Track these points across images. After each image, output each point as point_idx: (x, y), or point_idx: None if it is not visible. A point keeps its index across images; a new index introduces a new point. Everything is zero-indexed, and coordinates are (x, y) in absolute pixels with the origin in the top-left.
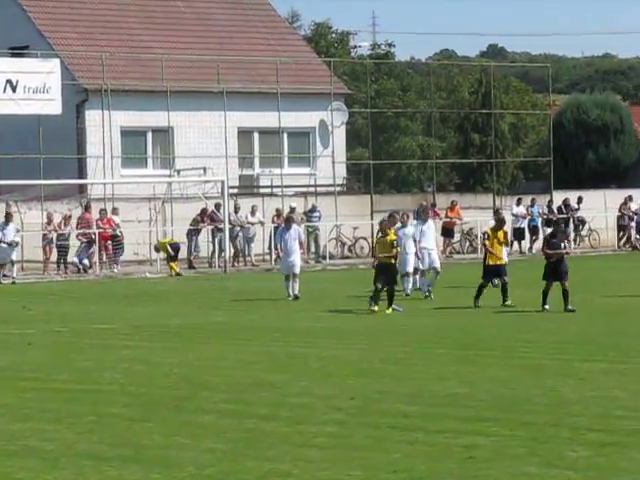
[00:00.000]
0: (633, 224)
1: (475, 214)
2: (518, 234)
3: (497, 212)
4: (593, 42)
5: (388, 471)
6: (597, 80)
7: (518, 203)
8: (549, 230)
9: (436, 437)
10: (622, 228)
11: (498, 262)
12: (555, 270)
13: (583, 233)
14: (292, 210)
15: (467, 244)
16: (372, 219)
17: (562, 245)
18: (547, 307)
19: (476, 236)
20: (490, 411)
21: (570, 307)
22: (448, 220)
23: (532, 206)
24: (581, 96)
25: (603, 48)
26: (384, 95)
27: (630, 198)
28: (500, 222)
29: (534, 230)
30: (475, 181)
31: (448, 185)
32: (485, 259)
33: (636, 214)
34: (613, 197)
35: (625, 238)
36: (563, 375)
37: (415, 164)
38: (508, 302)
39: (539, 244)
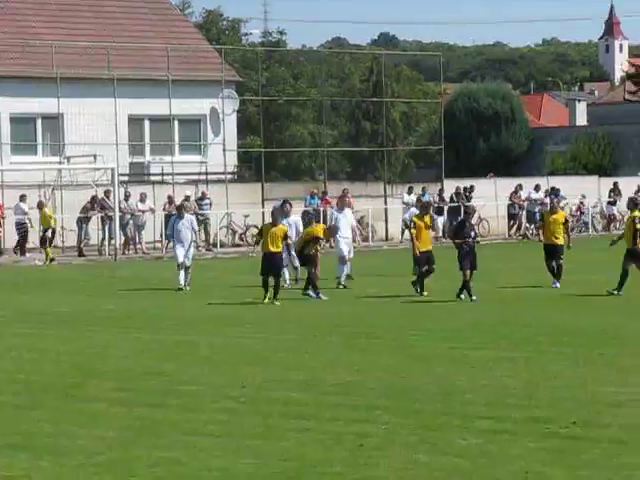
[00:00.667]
0: (524, 213)
1: (366, 202)
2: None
3: (419, 199)
4: (484, 31)
5: (279, 459)
6: (488, 69)
7: (409, 191)
8: (441, 218)
9: (327, 425)
10: (512, 217)
11: (428, 249)
12: (470, 259)
13: (473, 222)
14: (186, 198)
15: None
16: (263, 207)
17: (472, 234)
18: (474, 298)
19: (367, 224)
20: (381, 399)
21: (462, 296)
22: None
23: (423, 194)
24: (472, 85)
25: (494, 37)
26: (275, 83)
27: (520, 187)
28: (426, 207)
29: None
30: (366, 169)
31: (339, 173)
32: (413, 249)
33: (527, 202)
34: (504, 185)
35: (515, 227)
36: (454, 363)
37: (306, 152)
38: (425, 293)
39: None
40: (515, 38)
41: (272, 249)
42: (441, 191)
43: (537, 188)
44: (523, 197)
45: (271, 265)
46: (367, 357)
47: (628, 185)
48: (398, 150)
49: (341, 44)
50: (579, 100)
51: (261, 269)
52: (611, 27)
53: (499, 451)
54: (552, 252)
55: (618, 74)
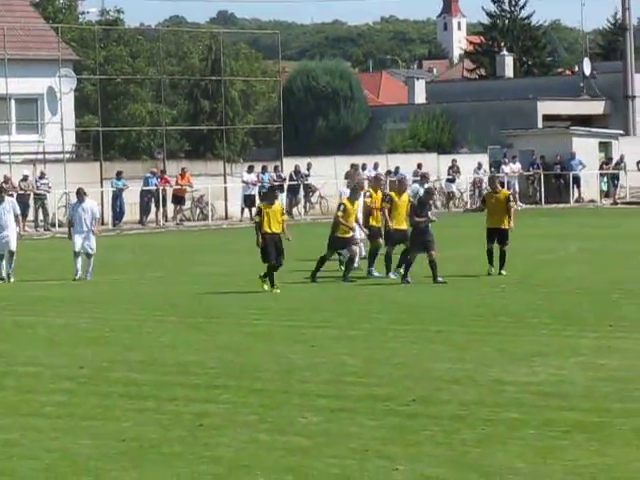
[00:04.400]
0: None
1: (206, 181)
2: (249, 201)
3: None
4: (323, 9)
5: (118, 439)
6: (327, 47)
7: (249, 170)
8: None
9: (167, 405)
10: None
11: (402, 227)
12: (422, 240)
13: (313, 200)
14: (24, 178)
15: (198, 211)
16: (102, 186)
17: (429, 213)
18: (409, 280)
19: (207, 203)
20: (220, 378)
21: (440, 279)
22: (179, 187)
23: (263, 173)
24: (311, 63)
25: (333, 15)
26: (113, 62)
27: (364, 167)
28: (402, 184)
29: None
30: (205, 148)
31: (178, 152)
32: (386, 224)
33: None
34: (343, 164)
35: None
36: (293, 342)
37: (145, 131)
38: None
39: None
40: (354, 16)
41: (274, 229)
42: (277, 169)
43: (376, 166)
44: (364, 175)
45: (276, 247)
46: (206, 336)
47: (467, 162)
48: (237, 129)
49: (179, 22)
50: (418, 78)
51: (266, 254)
52: (449, 5)
53: (339, 429)
54: (497, 237)
55: (456, 52)
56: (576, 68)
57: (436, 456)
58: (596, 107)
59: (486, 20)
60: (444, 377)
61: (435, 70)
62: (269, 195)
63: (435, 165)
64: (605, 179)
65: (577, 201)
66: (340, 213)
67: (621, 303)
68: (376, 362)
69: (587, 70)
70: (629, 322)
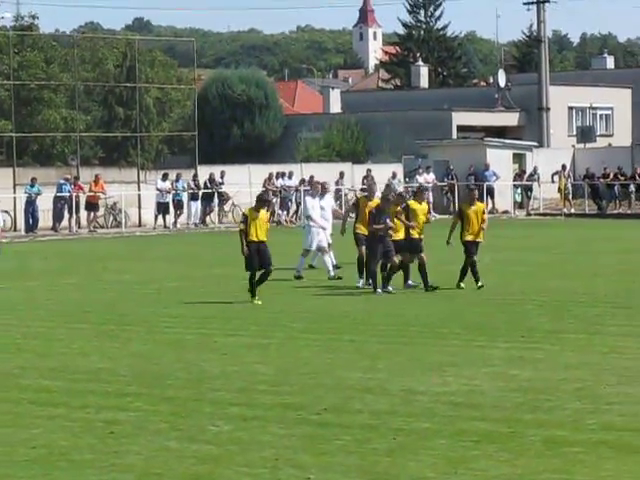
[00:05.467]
0: (278, 200)
1: (119, 188)
2: (162, 209)
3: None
4: (239, 17)
5: (27, 447)
6: (243, 55)
7: (164, 178)
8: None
9: (77, 412)
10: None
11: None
12: (382, 249)
13: (226, 208)
14: None
15: (111, 218)
16: (15, 192)
17: (387, 220)
18: (390, 289)
19: (120, 210)
20: (132, 386)
21: (411, 282)
22: (92, 194)
23: (177, 181)
24: (226, 71)
25: (249, 23)
26: (27, 67)
27: (281, 174)
28: (420, 194)
29: (179, 205)
30: (119, 155)
31: (92, 159)
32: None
33: (285, 190)
34: (258, 172)
35: (269, 213)
36: (205, 350)
37: (59, 137)
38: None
39: (184, 218)
40: (270, 25)
41: (260, 237)
42: (195, 177)
43: (290, 175)
44: (278, 184)
45: (261, 256)
46: (118, 344)
47: (381, 171)
48: (152, 136)
49: (95, 29)
50: (333, 87)
51: (250, 263)
52: (365, 15)
53: (250, 437)
54: (474, 250)
55: (372, 62)
56: (491, 79)
57: (347, 465)
58: (510, 119)
59: (402, 30)
60: (356, 386)
61: (350, 80)
62: (258, 202)
63: (350, 174)
64: (519, 190)
65: (491, 212)
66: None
67: (533, 314)
68: (288, 371)
69: (502, 81)
70: (541, 333)
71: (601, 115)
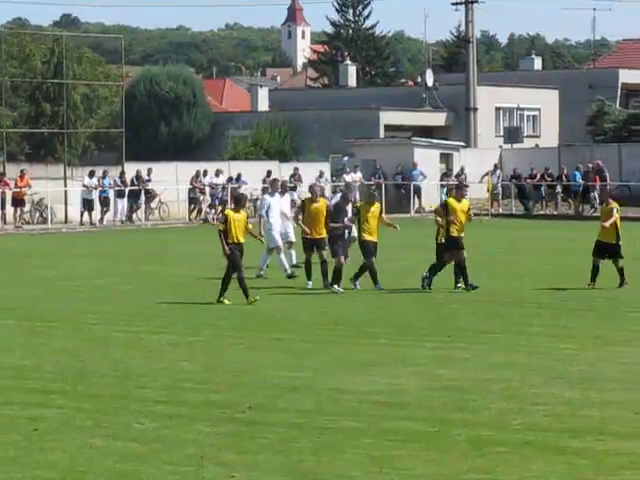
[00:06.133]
0: (204, 197)
1: (46, 184)
2: (88, 205)
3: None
4: (167, 14)
5: None
6: (171, 52)
7: (91, 175)
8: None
9: (2, 409)
10: (193, 201)
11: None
12: (343, 244)
13: (153, 205)
14: None
15: (37, 214)
16: None
17: (345, 220)
18: (337, 287)
19: (46, 206)
20: (57, 383)
21: (329, 283)
22: (18, 190)
23: (104, 177)
24: (154, 68)
25: (177, 21)
26: None
27: (205, 172)
28: (372, 196)
29: (105, 202)
30: (46, 151)
31: (19, 155)
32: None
33: (209, 187)
34: (185, 170)
35: (196, 211)
36: (131, 347)
37: None
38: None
39: (110, 215)
40: (198, 22)
41: (240, 239)
42: (122, 174)
43: (218, 173)
44: (205, 182)
45: (240, 259)
46: (43, 340)
47: (308, 170)
48: (79, 132)
49: (22, 24)
50: (261, 85)
51: (234, 265)
52: (294, 13)
53: (175, 435)
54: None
55: (300, 60)
56: (419, 79)
57: (272, 464)
58: (438, 118)
59: (330, 29)
60: (282, 385)
61: (279, 78)
62: (237, 202)
63: (277, 173)
64: (445, 190)
65: (417, 211)
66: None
67: (460, 314)
68: (214, 369)
69: (430, 81)
70: (468, 332)
71: (528, 116)
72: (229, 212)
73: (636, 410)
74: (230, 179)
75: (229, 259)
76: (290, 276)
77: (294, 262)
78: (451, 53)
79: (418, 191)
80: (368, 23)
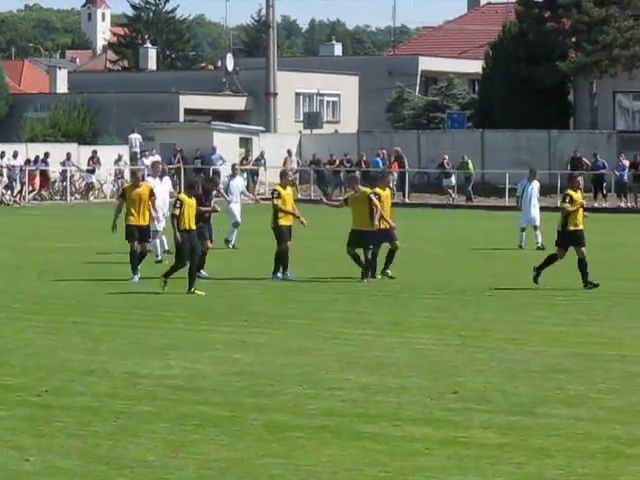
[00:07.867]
0: (1, 178)
1: None
2: None
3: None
4: None
5: None
6: None
7: None
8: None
9: None
10: None
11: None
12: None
13: None
14: None
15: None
16: None
17: (212, 203)
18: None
19: None
20: None
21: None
22: None
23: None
24: None
25: None
26: None
27: (3, 154)
28: (284, 175)
29: None
30: None
31: None
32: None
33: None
34: None
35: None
36: None
37: None
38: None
39: None
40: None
41: (192, 226)
42: None
43: (15, 155)
44: (2, 163)
45: (192, 244)
46: None
47: (107, 153)
48: None
49: None
50: (60, 67)
51: (182, 254)
52: None
53: None
54: (365, 240)
55: (100, 43)
56: (219, 63)
57: (68, 448)
58: (238, 103)
59: (130, 12)
60: (78, 368)
61: (78, 60)
62: (190, 188)
63: (76, 156)
64: (245, 175)
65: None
66: (277, 201)
67: (256, 299)
68: (9, 352)
69: (230, 66)
70: (264, 317)
71: (328, 102)
72: (184, 197)
73: (431, 396)
74: (28, 161)
75: (178, 247)
76: (159, 261)
77: (165, 248)
78: (252, 38)
79: (218, 175)
80: (169, 6)
